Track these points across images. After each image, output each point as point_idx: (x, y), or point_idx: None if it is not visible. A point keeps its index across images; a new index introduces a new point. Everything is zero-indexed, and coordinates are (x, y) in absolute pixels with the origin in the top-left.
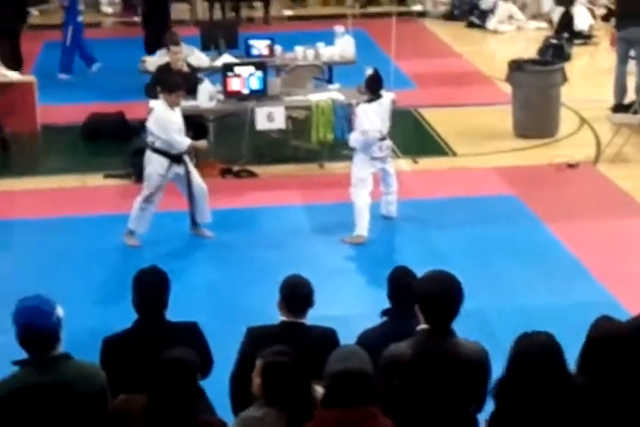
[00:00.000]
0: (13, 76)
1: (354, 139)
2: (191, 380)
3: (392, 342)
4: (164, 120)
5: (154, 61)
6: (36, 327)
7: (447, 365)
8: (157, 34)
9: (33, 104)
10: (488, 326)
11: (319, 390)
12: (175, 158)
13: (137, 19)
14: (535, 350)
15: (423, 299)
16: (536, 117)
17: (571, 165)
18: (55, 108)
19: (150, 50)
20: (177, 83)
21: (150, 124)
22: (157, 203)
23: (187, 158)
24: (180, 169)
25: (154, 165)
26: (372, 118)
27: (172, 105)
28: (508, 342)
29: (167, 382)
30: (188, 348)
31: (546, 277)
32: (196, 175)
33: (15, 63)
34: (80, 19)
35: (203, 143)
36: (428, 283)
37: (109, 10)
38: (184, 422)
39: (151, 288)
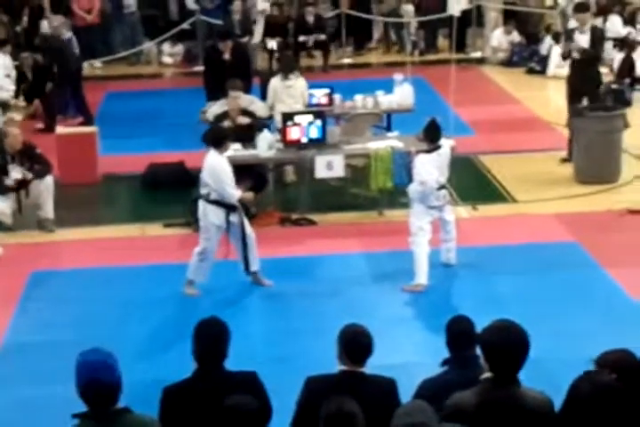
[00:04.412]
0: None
1: (413, 189)
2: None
3: (453, 391)
4: (219, 171)
5: (213, 112)
6: (102, 382)
7: (512, 414)
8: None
9: (94, 154)
10: (550, 375)
11: None
12: (230, 207)
13: (197, 69)
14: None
15: (489, 349)
16: (597, 163)
17: (632, 211)
18: (116, 158)
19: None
20: (223, 136)
21: (205, 176)
22: (215, 253)
23: (239, 206)
24: (234, 218)
25: (210, 217)
26: (430, 169)
27: (221, 152)
28: None
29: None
30: (247, 395)
31: (608, 325)
32: (247, 223)
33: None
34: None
35: (248, 195)
36: (494, 333)
37: (169, 60)
38: None
39: (212, 339)
